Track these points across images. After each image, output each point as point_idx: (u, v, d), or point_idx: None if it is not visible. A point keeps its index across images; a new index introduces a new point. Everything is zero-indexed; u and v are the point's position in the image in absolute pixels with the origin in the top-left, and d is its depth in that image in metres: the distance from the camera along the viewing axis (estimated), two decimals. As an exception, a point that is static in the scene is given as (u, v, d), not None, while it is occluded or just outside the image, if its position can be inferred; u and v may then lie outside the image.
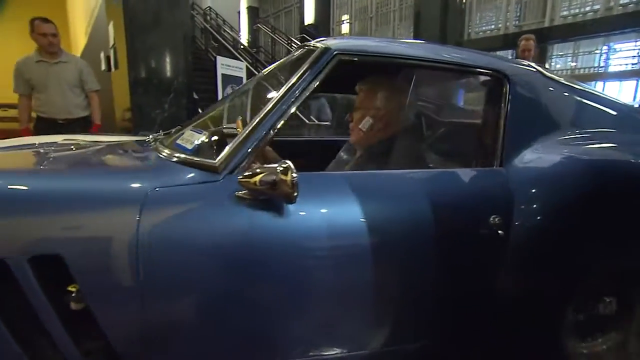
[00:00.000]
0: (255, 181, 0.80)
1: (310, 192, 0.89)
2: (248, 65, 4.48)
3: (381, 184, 1.02)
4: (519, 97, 1.12)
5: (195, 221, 0.84)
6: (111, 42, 3.04)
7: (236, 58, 5.29)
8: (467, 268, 1.04)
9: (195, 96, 3.08)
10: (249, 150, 0.90)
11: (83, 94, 2.48)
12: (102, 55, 4.06)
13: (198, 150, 0.99)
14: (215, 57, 6.06)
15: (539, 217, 1.01)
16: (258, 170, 0.81)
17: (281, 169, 0.80)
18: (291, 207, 0.85)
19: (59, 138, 1.48)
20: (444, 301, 1.04)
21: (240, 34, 9.83)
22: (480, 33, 6.99)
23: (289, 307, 0.91)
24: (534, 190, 1.02)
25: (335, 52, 1.00)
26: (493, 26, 6.84)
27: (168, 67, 2.72)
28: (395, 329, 1.01)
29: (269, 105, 0.93)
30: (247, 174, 0.81)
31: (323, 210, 0.92)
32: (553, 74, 1.26)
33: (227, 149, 0.91)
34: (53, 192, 0.83)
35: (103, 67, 4.07)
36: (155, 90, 2.70)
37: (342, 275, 0.93)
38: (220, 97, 2.95)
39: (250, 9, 11.52)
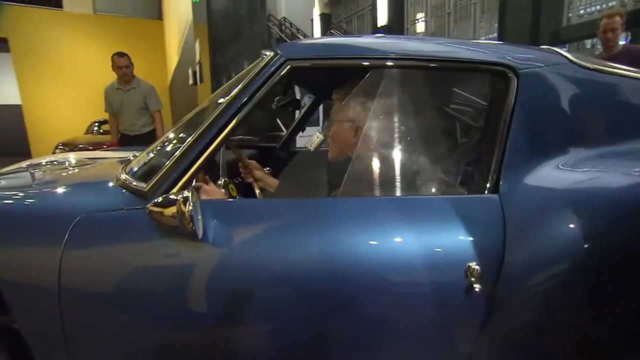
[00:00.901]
0: (161, 211, 0.71)
1: (231, 223, 0.77)
2: None
3: (309, 214, 0.79)
4: (530, 98, 0.82)
5: (115, 250, 0.78)
6: (197, 58, 3.26)
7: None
8: (409, 331, 0.75)
9: (273, 106, 3.11)
10: (184, 172, 0.80)
11: (148, 113, 2.99)
12: (189, 71, 4.41)
13: (141, 173, 0.91)
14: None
15: (546, 271, 0.66)
16: (171, 197, 0.71)
17: (177, 198, 0.69)
18: (203, 240, 0.73)
19: (77, 155, 1.67)
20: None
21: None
22: (586, 16, 6.01)
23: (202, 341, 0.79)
24: (542, 231, 0.68)
25: (285, 58, 0.87)
26: (604, 4, 5.82)
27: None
28: None
29: (207, 121, 0.83)
30: (157, 201, 0.72)
31: (237, 246, 0.76)
32: (598, 64, 0.91)
33: (158, 171, 0.82)
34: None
35: (191, 81, 4.41)
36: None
37: (253, 319, 0.77)
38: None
39: (323, 16, 11.71)
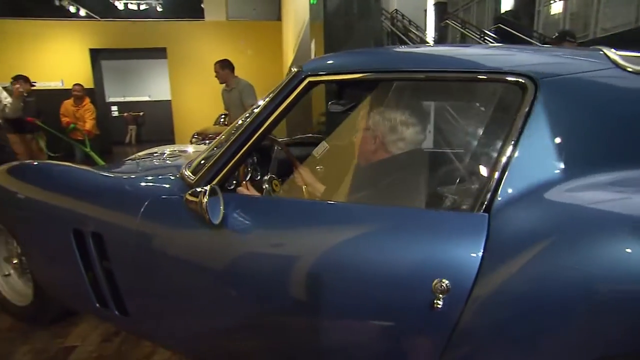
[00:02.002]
0: (190, 200, 0.89)
1: (241, 215, 0.91)
2: None
3: (312, 215, 0.90)
4: (547, 111, 0.71)
5: (165, 225, 1.08)
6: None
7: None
8: (396, 313, 0.75)
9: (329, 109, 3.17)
10: (220, 170, 0.97)
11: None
12: (304, 69, 4.76)
13: (194, 168, 1.11)
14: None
15: (513, 308, 0.61)
16: (198, 190, 0.88)
17: (202, 190, 0.86)
18: (219, 227, 0.89)
19: (175, 148, 2.17)
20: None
21: (427, 32, 9.57)
22: None
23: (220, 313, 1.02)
24: (527, 258, 0.61)
25: (305, 75, 0.95)
26: None
27: (352, 84, 2.90)
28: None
29: (240, 129, 0.99)
30: (189, 192, 0.91)
31: (247, 236, 0.92)
32: None
33: (203, 168, 1.01)
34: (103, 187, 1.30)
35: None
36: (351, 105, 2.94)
37: (253, 292, 0.92)
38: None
39: (438, 5, 11.07)
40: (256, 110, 1.01)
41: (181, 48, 10.80)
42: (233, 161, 0.97)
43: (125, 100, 17.06)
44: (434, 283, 0.68)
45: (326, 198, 1.15)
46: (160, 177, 1.32)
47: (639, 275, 0.54)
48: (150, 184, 1.26)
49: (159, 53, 11.13)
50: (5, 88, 4.18)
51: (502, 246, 0.66)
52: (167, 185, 1.15)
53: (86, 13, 12.16)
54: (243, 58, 10.93)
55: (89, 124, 5.08)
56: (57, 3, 11.20)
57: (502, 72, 0.79)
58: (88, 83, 10.78)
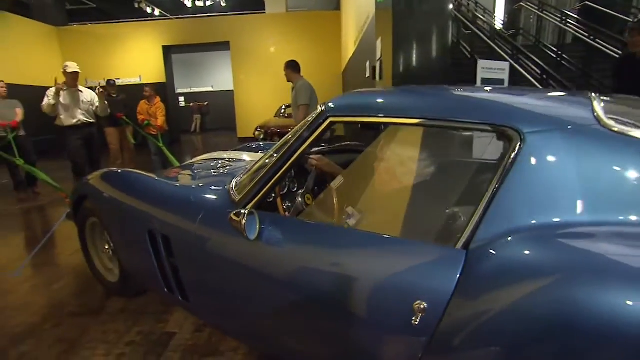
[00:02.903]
0: (233, 219, 1.10)
1: (271, 232, 1.12)
2: (509, 59, 3.95)
3: (320, 238, 1.08)
4: (529, 163, 0.80)
5: (216, 236, 1.29)
6: (378, 55, 3.45)
7: (491, 48, 4.83)
8: (383, 325, 0.92)
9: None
10: (257, 194, 1.20)
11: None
12: (367, 64, 4.68)
13: (239, 186, 1.34)
14: (469, 52, 5.74)
15: (480, 327, 0.73)
16: (241, 212, 1.09)
17: (243, 212, 1.08)
18: (254, 242, 1.10)
19: (228, 155, 2.55)
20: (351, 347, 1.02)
21: (495, 15, 8.84)
22: None
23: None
24: (492, 293, 0.73)
25: (327, 115, 1.13)
26: None
27: (427, 79, 2.82)
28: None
29: (273, 161, 1.22)
30: (233, 212, 1.11)
31: (274, 249, 1.12)
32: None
33: (245, 190, 1.25)
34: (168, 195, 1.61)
35: (367, 74, 4.70)
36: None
37: (277, 295, 1.14)
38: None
39: (511, -16, 10.11)
40: (287, 144, 1.22)
41: (243, 41, 11.21)
42: (267, 187, 1.20)
43: (191, 91, 18.26)
44: (415, 304, 0.83)
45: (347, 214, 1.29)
46: (214, 188, 1.53)
47: (585, 313, 0.61)
48: (206, 196, 1.47)
49: (223, 46, 11.67)
50: (91, 88, 4.77)
51: (473, 280, 0.78)
52: (218, 200, 1.38)
53: (160, 12, 13.08)
54: (302, 48, 11.06)
55: (160, 120, 5.68)
56: (135, 5, 12.18)
57: (492, 124, 0.87)
58: (161, 78, 11.71)
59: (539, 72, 4.27)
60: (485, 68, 2.78)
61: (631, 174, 0.76)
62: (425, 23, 2.83)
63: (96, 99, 4.38)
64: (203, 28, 11.42)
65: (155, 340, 1.74)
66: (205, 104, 17.99)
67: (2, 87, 4.71)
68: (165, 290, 1.54)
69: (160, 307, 2.00)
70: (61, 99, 4.08)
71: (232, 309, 1.34)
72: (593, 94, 1.02)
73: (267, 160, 1.32)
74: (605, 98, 1.06)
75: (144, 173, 1.89)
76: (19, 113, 4.79)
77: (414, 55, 2.88)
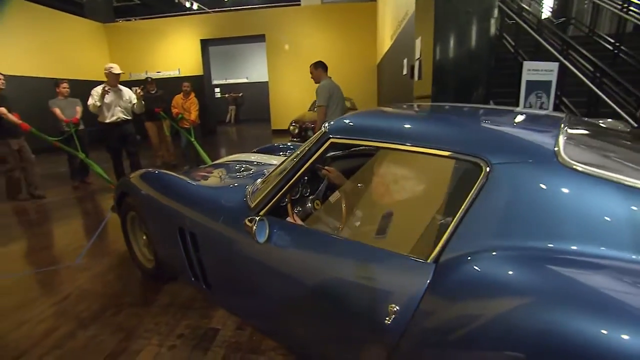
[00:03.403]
0: (246, 225, 1.29)
1: (278, 236, 1.30)
2: (559, 55, 3.71)
3: (316, 244, 1.25)
4: (494, 191, 0.92)
5: (232, 237, 1.48)
6: (417, 55, 3.39)
7: (537, 42, 4.56)
8: (362, 322, 1.08)
9: (492, 105, 2.95)
10: (268, 203, 1.39)
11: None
12: (405, 61, 4.60)
13: (255, 193, 1.53)
14: (513, 47, 5.43)
15: (432, 331, 0.89)
16: (254, 218, 1.30)
17: (255, 219, 1.28)
18: (264, 243, 1.29)
19: (249, 157, 2.76)
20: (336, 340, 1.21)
21: (543, 2, 8.28)
22: None
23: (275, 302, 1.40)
24: (452, 302, 0.87)
25: (328, 137, 1.29)
26: None
27: (469, 81, 2.74)
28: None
29: (283, 174, 1.40)
30: (247, 219, 1.31)
31: (279, 250, 1.31)
32: (587, 159, 0.88)
33: (258, 198, 1.44)
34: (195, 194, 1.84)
35: (404, 72, 4.62)
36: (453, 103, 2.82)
37: (284, 291, 1.32)
38: (522, 105, 2.68)
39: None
40: (294, 161, 1.41)
41: (278, 34, 11.29)
42: (277, 197, 1.39)
43: (227, 82, 18.70)
44: (390, 306, 0.97)
45: (347, 221, 1.49)
46: (234, 192, 1.73)
47: (522, 326, 0.73)
48: (227, 200, 1.68)
49: (258, 39, 11.82)
50: (134, 81, 5.28)
51: (438, 289, 0.91)
52: (237, 204, 1.58)
53: (198, 6, 13.42)
54: (337, 40, 10.97)
55: (193, 115, 6.05)
56: (175, 0, 12.57)
57: (467, 153, 0.99)
58: (198, 70, 12.10)
59: (591, 69, 3.98)
60: (531, 70, 2.63)
61: (577, 208, 0.85)
62: (469, 25, 2.74)
63: (134, 97, 4.77)
64: (239, 21, 11.61)
65: (202, 335, 1.88)
66: (240, 95, 18.36)
67: (65, 87, 5.30)
68: (192, 279, 1.77)
69: (204, 303, 2.15)
70: (104, 98, 4.48)
71: (243, 298, 1.58)
72: (565, 121, 1.15)
73: (278, 172, 1.50)
74: (573, 128, 1.18)
75: (177, 175, 2.12)
76: (78, 110, 5.32)
77: (456, 57, 2.80)
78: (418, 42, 3.33)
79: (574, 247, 0.81)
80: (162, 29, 12.03)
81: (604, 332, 0.65)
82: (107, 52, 12.26)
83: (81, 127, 5.26)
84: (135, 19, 12.53)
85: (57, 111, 5.13)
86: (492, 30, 2.74)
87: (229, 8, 12.77)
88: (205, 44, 12.06)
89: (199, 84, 12.09)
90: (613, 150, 1.13)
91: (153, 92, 6.59)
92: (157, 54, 12.22)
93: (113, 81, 4.60)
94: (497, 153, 0.96)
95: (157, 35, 12.07)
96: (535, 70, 2.61)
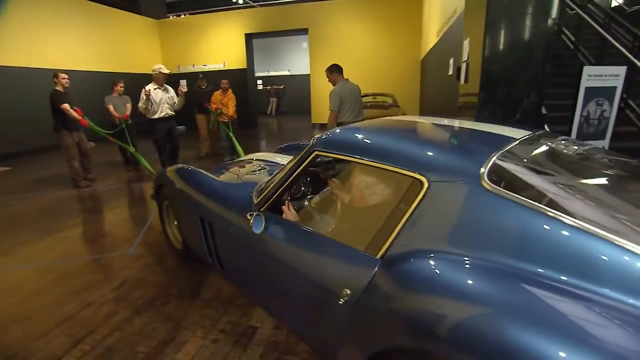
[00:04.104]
0: (247, 218, 1.68)
1: (271, 228, 1.59)
2: (629, 55, 3.37)
3: (297, 237, 1.52)
4: (430, 203, 1.12)
5: (240, 226, 1.76)
6: (464, 57, 3.25)
7: (602, 38, 4.14)
8: (322, 305, 1.34)
9: (544, 111, 2.78)
10: (267, 201, 1.68)
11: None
12: (451, 61, 4.43)
13: (259, 190, 1.84)
14: (572, 42, 4.99)
15: (371, 309, 1.13)
16: (252, 213, 1.67)
17: (253, 214, 1.64)
18: (260, 234, 1.60)
19: (263, 156, 3.09)
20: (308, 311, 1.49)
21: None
22: None
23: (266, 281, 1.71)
24: (382, 287, 1.11)
25: (314, 150, 1.53)
26: None
27: (520, 87, 2.60)
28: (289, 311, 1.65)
29: (277, 180, 1.71)
30: (248, 213, 1.70)
31: (271, 240, 1.59)
32: (516, 190, 1.03)
33: (260, 197, 1.74)
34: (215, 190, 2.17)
35: (450, 72, 4.46)
36: (502, 111, 2.69)
37: (274, 271, 1.59)
38: (579, 114, 2.50)
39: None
40: (286, 169, 1.70)
41: (321, 27, 11.27)
42: (273, 197, 1.68)
43: (269, 74, 19.03)
44: (342, 290, 1.22)
45: (333, 219, 1.73)
46: (244, 189, 2.00)
47: (433, 320, 0.93)
48: (238, 196, 1.95)
49: (301, 32, 11.88)
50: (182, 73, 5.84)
51: (379, 280, 1.13)
52: (245, 200, 1.86)
53: (244, 1, 13.70)
54: (380, 34, 10.75)
55: (231, 110, 6.50)
56: (223, -5, 12.91)
57: (414, 170, 1.20)
58: (242, 64, 12.42)
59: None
60: (593, 75, 2.42)
61: (488, 224, 1.03)
62: (524, 27, 2.59)
63: (175, 95, 5.30)
64: (283, 15, 11.72)
65: (242, 331, 2.00)
66: (282, 87, 18.62)
67: (121, 86, 5.95)
68: (210, 260, 2.11)
69: (244, 300, 2.28)
70: (151, 96, 5.04)
71: (246, 276, 1.92)
72: (513, 142, 1.36)
73: (276, 177, 1.79)
74: (522, 149, 1.35)
75: (203, 171, 2.45)
76: (128, 107, 5.93)
77: (508, 61, 2.65)
78: (466, 43, 3.19)
79: (484, 255, 0.99)
80: (209, 23, 12.46)
81: (491, 321, 0.83)
82: (159, 47, 12.93)
83: (130, 121, 5.81)
84: (184, 15, 13.05)
85: (111, 108, 5.77)
86: (550, 32, 2.57)
87: (273, 2, 12.89)
88: (249, 37, 12.33)
89: (242, 77, 12.43)
90: (546, 174, 1.26)
91: (204, 87, 7.12)
92: (204, 47, 12.69)
93: (161, 80, 5.09)
94: (435, 172, 1.16)
95: (205, 30, 12.52)
96: (597, 76, 2.40)
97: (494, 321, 0.82)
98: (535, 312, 0.81)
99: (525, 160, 1.30)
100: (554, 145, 1.53)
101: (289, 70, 18.81)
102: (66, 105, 4.96)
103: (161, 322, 2.11)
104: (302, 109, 16.32)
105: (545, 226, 0.94)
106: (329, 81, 4.13)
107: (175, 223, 2.74)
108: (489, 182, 1.06)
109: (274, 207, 1.69)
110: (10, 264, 2.98)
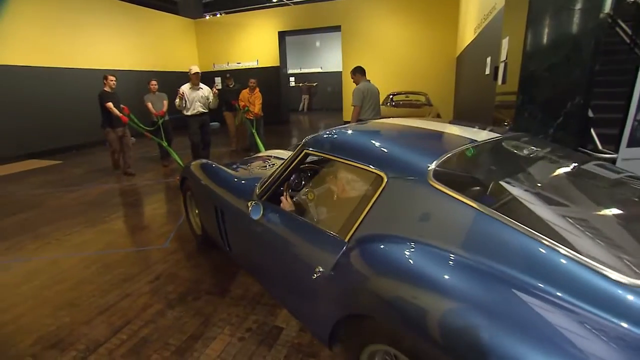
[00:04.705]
0: (247, 205, 1.97)
1: (268, 215, 1.84)
2: None
3: (286, 222, 1.79)
4: (386, 196, 1.34)
5: (244, 214, 2.03)
6: (502, 57, 3.10)
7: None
8: (301, 278, 1.60)
9: (591, 114, 2.60)
10: (266, 192, 1.97)
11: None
12: (488, 60, 4.24)
13: (260, 182, 2.13)
14: (629, 36, 4.61)
15: (335, 281, 1.38)
16: (252, 202, 1.95)
17: (252, 202, 1.93)
18: (258, 220, 1.84)
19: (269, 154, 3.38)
20: (291, 283, 1.75)
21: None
22: None
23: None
24: (345, 264, 1.35)
25: (304, 149, 1.81)
26: None
27: (565, 90, 2.44)
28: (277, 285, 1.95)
29: (274, 175, 2.00)
30: (249, 202, 2.00)
31: (267, 224, 1.85)
32: (458, 188, 1.21)
33: (261, 189, 2.04)
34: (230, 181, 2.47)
35: (487, 72, 4.27)
36: (542, 114, 2.54)
37: (268, 251, 1.90)
38: (632, 117, 2.30)
39: None
40: (282, 164, 1.98)
41: (354, 24, 11.15)
42: (272, 189, 1.97)
43: (301, 72, 19.13)
44: (317, 267, 1.45)
45: (320, 208, 1.88)
46: (251, 182, 2.27)
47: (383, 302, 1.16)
48: (244, 188, 2.24)
49: (334, 29, 11.82)
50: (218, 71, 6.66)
51: (343, 259, 1.37)
52: (250, 191, 2.14)
53: (277, -1, 13.80)
54: (415, 31, 10.48)
55: (257, 108, 6.89)
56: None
57: (376, 167, 1.43)
58: (275, 61, 12.57)
59: None
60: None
61: (432, 216, 1.23)
62: (571, 25, 2.42)
63: (211, 94, 5.73)
64: (316, 13, 11.71)
65: (267, 331, 2.05)
66: (315, 84, 18.66)
67: (154, 85, 6.37)
68: (222, 243, 2.43)
69: (271, 300, 2.33)
70: (186, 95, 5.55)
71: (247, 255, 2.22)
72: (468, 143, 1.54)
73: (275, 172, 2.03)
74: (476, 150, 1.55)
75: (221, 166, 2.77)
76: (165, 104, 6.31)
77: (551, 62, 2.50)
78: (505, 42, 3.04)
79: (426, 240, 1.19)
80: (243, 22, 12.70)
81: (431, 303, 1.04)
82: (195, 46, 13.37)
83: (166, 118, 6.26)
84: (220, 14, 13.38)
85: (150, 105, 6.24)
86: (601, 27, 2.38)
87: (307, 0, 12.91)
88: (282, 35, 12.44)
89: (275, 75, 12.58)
90: (489, 174, 1.49)
91: (231, 85, 7.39)
92: (238, 45, 12.96)
93: (194, 80, 5.56)
94: (392, 170, 1.38)
95: (239, 28, 12.78)
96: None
97: (421, 288, 1.09)
98: (455, 284, 1.04)
99: (475, 161, 1.54)
100: (512, 148, 1.69)
101: (321, 68, 18.80)
102: (110, 104, 5.52)
103: (191, 316, 2.21)
104: (334, 106, 16.28)
105: (476, 220, 1.13)
106: (353, 82, 4.55)
107: (196, 211, 3.02)
108: (433, 179, 1.25)
109: (273, 198, 1.95)
110: (61, 252, 3.23)
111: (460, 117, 8.40)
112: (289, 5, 12.73)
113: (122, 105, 5.60)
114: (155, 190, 5.21)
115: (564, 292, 0.92)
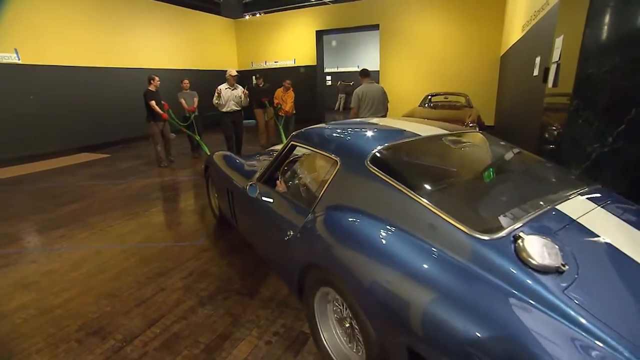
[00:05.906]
0: (247, 186, 2.38)
1: (262, 193, 2.28)
2: None
3: (272, 198, 2.21)
4: (339, 175, 1.77)
5: (246, 193, 2.41)
6: (555, 57, 2.86)
7: None
8: (279, 240, 1.97)
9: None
10: (262, 175, 2.48)
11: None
12: (537, 60, 3.96)
13: (259, 169, 2.68)
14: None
15: (302, 241, 1.79)
16: (249, 183, 2.43)
17: (250, 184, 2.35)
18: (255, 198, 2.31)
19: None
20: (274, 250, 2.22)
21: None
22: None
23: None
24: (307, 227, 1.77)
25: (292, 142, 2.28)
26: None
27: (628, 95, 2.20)
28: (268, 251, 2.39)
29: (265, 167, 2.54)
30: (249, 183, 2.45)
31: (260, 201, 2.27)
32: (388, 171, 1.61)
33: (258, 173, 2.59)
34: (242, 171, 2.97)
35: (536, 73, 3.98)
36: (600, 121, 2.31)
37: (260, 221, 2.40)
38: None
39: None
40: (274, 155, 2.52)
41: (392, 22, 10.91)
42: (267, 173, 2.43)
43: (338, 70, 19.04)
44: (288, 231, 1.89)
45: (304, 189, 2.21)
46: (256, 168, 2.76)
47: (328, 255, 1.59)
48: (250, 172, 2.73)
49: (372, 28, 11.63)
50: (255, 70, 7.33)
51: (306, 225, 1.78)
52: (253, 175, 2.63)
53: (316, -2, 13.80)
54: (456, 29, 10.07)
55: (288, 106, 7.59)
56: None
57: (333, 154, 1.87)
58: (312, 60, 12.58)
59: None
60: None
61: (366, 192, 1.64)
62: (635, 27, 2.19)
63: (242, 94, 6.34)
64: (354, 12, 11.58)
65: (294, 337, 2.03)
66: (351, 83, 18.52)
67: (186, 83, 7.07)
68: (231, 218, 2.97)
69: (299, 304, 2.30)
70: (222, 94, 6.21)
71: (247, 227, 2.71)
72: (418, 136, 1.98)
73: (272, 160, 2.48)
74: (425, 141, 2.00)
75: (236, 156, 3.31)
76: (196, 101, 6.97)
77: (613, 64, 2.27)
78: (559, 41, 2.80)
79: (364, 211, 1.58)
80: (282, 21, 12.83)
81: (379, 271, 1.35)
82: (235, 45, 13.70)
83: (196, 113, 6.94)
84: (259, 14, 13.60)
85: (183, 102, 6.92)
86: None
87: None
88: (320, 34, 12.43)
89: (312, 74, 12.61)
90: (419, 163, 1.99)
91: (261, 85, 7.72)
92: (276, 45, 13.12)
93: (231, 81, 6.26)
94: (344, 155, 1.81)
95: (277, 28, 12.93)
96: None
97: (351, 243, 1.51)
98: (381, 244, 1.40)
99: (412, 151, 1.97)
100: (450, 143, 2.14)
101: (358, 66, 18.61)
102: (153, 102, 6.16)
103: (221, 315, 2.24)
104: (369, 105, 15.96)
105: (390, 193, 1.52)
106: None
107: (216, 195, 3.53)
108: (370, 164, 1.65)
109: (268, 180, 2.41)
110: (104, 243, 3.42)
111: (503, 121, 7.94)
112: (327, 4, 12.66)
113: (162, 102, 6.27)
114: (191, 186, 5.39)
115: (431, 240, 1.32)
